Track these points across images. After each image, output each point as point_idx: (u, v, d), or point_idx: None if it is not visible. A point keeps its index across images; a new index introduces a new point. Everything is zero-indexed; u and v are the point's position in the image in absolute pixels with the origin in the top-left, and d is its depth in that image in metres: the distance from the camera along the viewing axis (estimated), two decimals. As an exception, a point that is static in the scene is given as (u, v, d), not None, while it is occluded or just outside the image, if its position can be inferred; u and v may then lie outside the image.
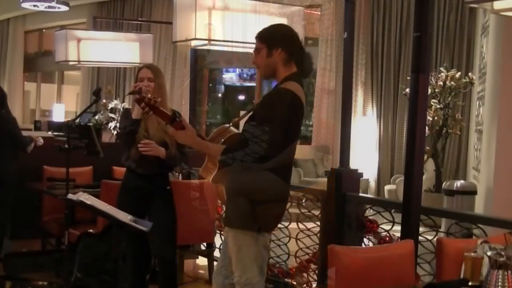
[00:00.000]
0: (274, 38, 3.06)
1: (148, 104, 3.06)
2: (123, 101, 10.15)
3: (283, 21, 4.35)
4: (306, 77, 3.15)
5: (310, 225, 4.61)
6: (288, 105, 2.95)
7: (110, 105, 8.88)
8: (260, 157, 2.92)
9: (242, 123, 3.14)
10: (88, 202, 3.28)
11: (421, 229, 3.56)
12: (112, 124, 8.59)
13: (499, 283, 2.25)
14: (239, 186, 3.02)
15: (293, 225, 4.64)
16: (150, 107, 3.06)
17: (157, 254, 4.03)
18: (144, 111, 3.09)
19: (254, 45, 3.14)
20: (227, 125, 3.18)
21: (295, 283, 4.60)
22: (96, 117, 9.23)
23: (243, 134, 2.97)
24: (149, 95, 3.13)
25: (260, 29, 3.15)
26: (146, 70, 3.89)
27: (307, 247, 4.57)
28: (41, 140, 5.56)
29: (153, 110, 3.08)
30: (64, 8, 10.45)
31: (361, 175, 4.29)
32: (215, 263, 4.59)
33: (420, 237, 3.57)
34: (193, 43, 4.38)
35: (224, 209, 3.53)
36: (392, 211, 4.10)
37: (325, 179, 4.33)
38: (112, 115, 8.66)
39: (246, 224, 3.00)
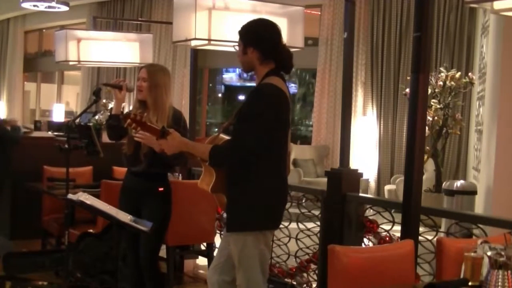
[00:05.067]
0: (247, 37, 3.01)
1: (134, 120, 2.99)
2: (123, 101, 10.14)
3: (283, 21, 4.33)
4: (288, 73, 3.09)
5: (310, 225, 4.61)
6: (271, 98, 2.92)
7: (110, 105, 8.89)
8: (249, 154, 2.91)
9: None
10: (88, 202, 3.28)
11: (421, 229, 3.56)
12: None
13: (499, 283, 2.25)
14: (236, 187, 3.00)
15: (293, 225, 4.64)
16: (136, 123, 2.99)
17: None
18: (131, 127, 3.03)
19: None
20: (217, 133, 3.13)
21: (295, 283, 4.60)
22: (96, 117, 9.25)
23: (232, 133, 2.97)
24: (134, 112, 3.06)
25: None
26: (143, 70, 3.87)
27: (307, 247, 4.57)
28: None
29: (141, 126, 3.00)
30: (64, 8, 10.47)
31: (361, 175, 4.29)
32: (215, 263, 4.59)
33: (420, 237, 3.57)
34: (193, 43, 4.37)
35: (225, 214, 3.50)
36: (392, 211, 4.10)
37: (325, 179, 4.33)
38: (112, 115, 8.65)
39: (246, 225, 3.00)
